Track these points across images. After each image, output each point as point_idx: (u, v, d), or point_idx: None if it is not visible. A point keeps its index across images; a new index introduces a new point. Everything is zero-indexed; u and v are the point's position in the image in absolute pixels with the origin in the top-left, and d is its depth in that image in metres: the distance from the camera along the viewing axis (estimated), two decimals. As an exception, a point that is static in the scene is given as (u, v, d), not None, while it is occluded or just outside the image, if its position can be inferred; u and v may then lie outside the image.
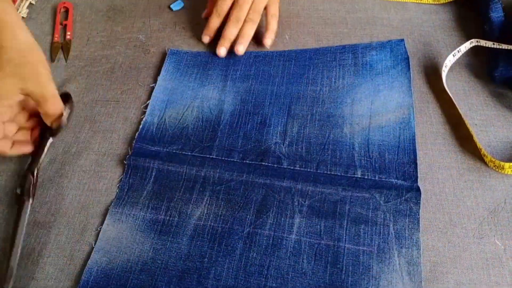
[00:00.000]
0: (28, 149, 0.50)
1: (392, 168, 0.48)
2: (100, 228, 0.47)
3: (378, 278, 0.42)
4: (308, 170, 0.49)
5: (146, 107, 0.55)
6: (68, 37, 0.63)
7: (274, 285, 0.42)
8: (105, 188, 0.49)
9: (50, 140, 0.51)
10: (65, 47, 0.62)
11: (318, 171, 0.49)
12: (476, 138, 0.49)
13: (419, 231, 0.44)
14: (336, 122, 0.53)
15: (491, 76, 0.54)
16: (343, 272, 0.42)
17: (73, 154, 0.52)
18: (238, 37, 0.59)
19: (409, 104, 0.53)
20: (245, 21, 0.58)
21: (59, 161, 0.52)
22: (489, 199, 0.46)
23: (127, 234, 0.46)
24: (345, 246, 0.44)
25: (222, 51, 0.59)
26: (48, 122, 0.49)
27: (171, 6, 0.66)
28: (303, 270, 0.43)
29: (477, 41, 0.55)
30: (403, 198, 0.46)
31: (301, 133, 0.52)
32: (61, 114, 0.49)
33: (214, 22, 0.60)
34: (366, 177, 0.48)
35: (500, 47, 0.53)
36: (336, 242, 0.44)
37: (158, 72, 0.59)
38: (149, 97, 0.56)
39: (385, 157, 0.49)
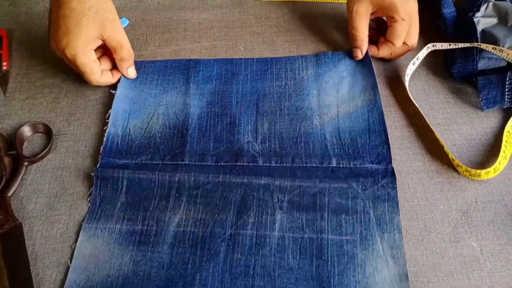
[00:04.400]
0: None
1: (366, 152, 0.48)
2: (60, 279, 0.42)
3: (363, 266, 0.42)
4: (284, 165, 0.48)
5: (108, 117, 0.52)
6: (4, 68, 0.58)
7: (261, 283, 0.42)
8: (60, 233, 0.45)
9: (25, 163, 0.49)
10: (2, 79, 0.57)
11: (294, 165, 0.48)
12: (443, 142, 0.48)
13: (399, 215, 0.44)
14: (305, 115, 0.52)
15: (449, 73, 0.54)
16: (329, 263, 0.42)
17: (21, 199, 0.48)
18: None
19: (373, 84, 0.53)
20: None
21: (5, 208, 0.47)
22: (461, 200, 0.46)
23: (104, 249, 0.44)
24: (328, 238, 0.43)
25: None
26: (123, 69, 0.54)
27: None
28: (289, 266, 0.42)
29: (433, 46, 0.55)
30: (380, 184, 0.46)
31: (272, 130, 0.51)
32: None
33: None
34: (341, 165, 0.48)
35: (456, 47, 0.53)
36: (319, 234, 0.44)
37: (108, 97, 0.55)
38: (102, 124, 0.52)
39: (357, 142, 0.49)
